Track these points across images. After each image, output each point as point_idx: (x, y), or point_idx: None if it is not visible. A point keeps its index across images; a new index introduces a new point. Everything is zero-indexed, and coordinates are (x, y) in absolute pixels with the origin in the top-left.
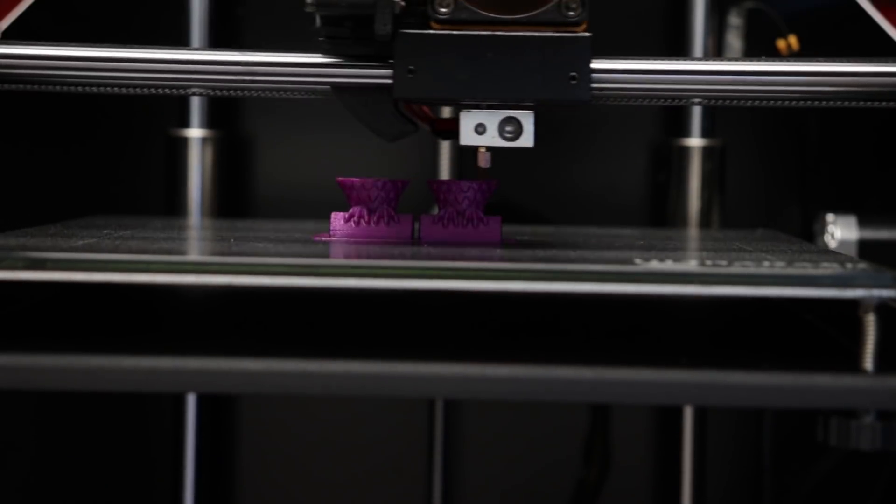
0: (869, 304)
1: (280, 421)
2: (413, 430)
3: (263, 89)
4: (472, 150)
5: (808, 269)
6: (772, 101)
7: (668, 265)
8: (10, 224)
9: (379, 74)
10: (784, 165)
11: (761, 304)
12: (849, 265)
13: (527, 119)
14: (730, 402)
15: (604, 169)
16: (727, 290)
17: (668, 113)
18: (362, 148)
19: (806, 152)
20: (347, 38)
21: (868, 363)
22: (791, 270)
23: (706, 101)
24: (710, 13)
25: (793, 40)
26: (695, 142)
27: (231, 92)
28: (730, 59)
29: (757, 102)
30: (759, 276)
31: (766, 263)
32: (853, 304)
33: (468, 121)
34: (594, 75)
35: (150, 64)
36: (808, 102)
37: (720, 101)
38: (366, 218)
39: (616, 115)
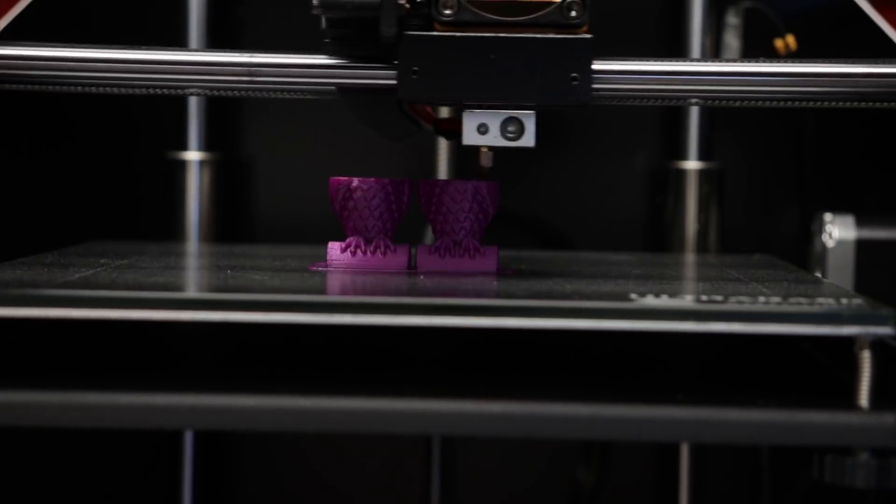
0: (864, 341)
1: None
2: None
3: (267, 90)
4: (474, 151)
5: (803, 306)
6: (769, 102)
7: (664, 301)
8: (7, 247)
9: (383, 76)
10: (782, 175)
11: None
12: (844, 301)
13: (528, 120)
14: (726, 439)
15: (602, 191)
16: (723, 326)
17: (666, 136)
18: (362, 169)
19: (804, 152)
20: (353, 40)
21: (863, 400)
22: (786, 307)
23: (704, 101)
24: (708, 12)
25: (791, 40)
26: (692, 165)
27: (233, 93)
28: (728, 60)
29: (755, 103)
30: (754, 314)
31: (762, 299)
32: (849, 339)
33: (471, 121)
34: (595, 76)
35: (149, 65)
36: (806, 103)
37: (718, 102)
38: (362, 248)
39: (614, 137)
